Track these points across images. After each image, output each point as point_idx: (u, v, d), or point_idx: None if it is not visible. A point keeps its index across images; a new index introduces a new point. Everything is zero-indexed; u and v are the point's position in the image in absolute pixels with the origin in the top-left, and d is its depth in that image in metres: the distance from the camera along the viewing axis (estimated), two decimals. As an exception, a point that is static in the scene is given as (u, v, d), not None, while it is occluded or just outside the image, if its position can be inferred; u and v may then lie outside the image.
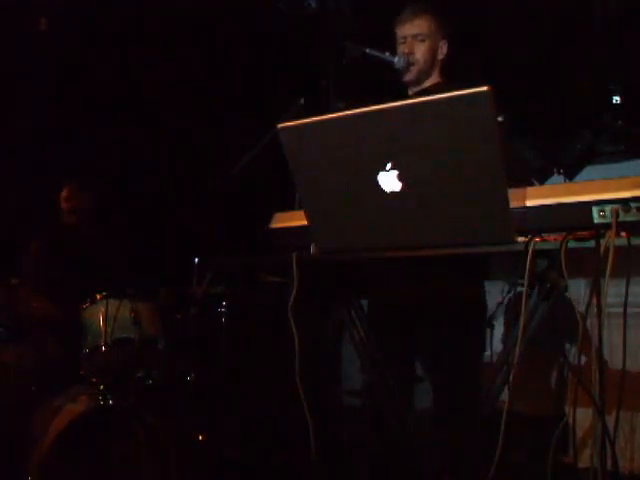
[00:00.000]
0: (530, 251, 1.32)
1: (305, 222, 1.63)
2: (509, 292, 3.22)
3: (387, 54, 2.26)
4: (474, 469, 1.68)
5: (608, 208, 1.29)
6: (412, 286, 2.05)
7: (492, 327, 3.99)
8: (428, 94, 2.20)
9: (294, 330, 1.73)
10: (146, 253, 3.95)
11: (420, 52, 2.30)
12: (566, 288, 1.36)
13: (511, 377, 1.45)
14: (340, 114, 1.48)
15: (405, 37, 2.32)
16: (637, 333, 1.71)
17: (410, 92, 2.40)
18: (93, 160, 4.33)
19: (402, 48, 2.33)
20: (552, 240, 1.34)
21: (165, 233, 4.41)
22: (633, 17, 3.31)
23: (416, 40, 2.30)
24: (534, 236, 1.34)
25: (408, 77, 2.32)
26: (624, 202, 1.28)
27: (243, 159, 2.46)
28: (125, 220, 4.22)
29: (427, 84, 2.36)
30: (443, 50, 2.37)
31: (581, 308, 1.35)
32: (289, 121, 1.54)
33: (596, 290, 1.27)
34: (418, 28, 2.31)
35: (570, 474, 1.77)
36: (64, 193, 3.85)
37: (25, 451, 2.72)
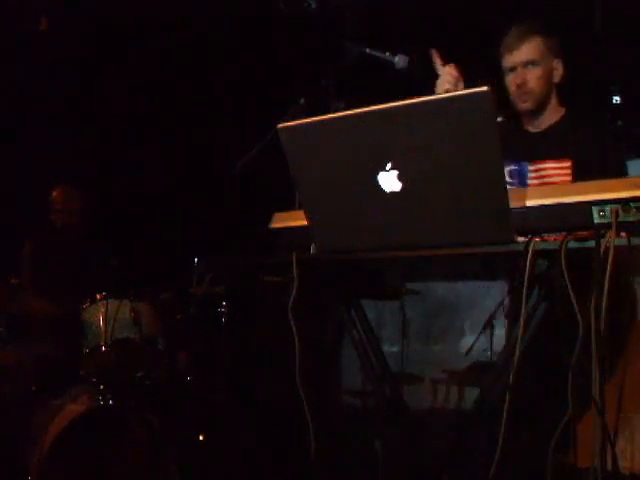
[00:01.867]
0: (530, 251, 1.32)
1: (305, 222, 1.63)
2: (509, 292, 3.22)
3: (387, 54, 2.25)
4: (474, 469, 1.68)
5: (608, 208, 1.29)
6: None
7: (492, 327, 4.01)
8: (553, 137, 2.17)
9: (294, 330, 1.73)
10: (143, 253, 3.95)
11: (534, 80, 2.12)
12: (566, 288, 1.36)
13: (511, 377, 1.45)
14: (340, 114, 1.48)
15: (514, 66, 2.14)
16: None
17: (530, 129, 2.24)
18: (88, 160, 4.34)
19: (511, 79, 2.16)
20: (552, 240, 1.34)
21: (164, 232, 4.41)
22: (633, 15, 3.31)
23: (527, 68, 2.13)
24: (534, 236, 1.34)
25: (524, 107, 2.17)
26: (624, 202, 1.28)
27: (243, 159, 2.46)
28: (119, 220, 4.21)
29: (547, 118, 2.20)
30: (559, 71, 2.17)
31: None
32: (289, 121, 1.54)
33: (596, 290, 1.27)
34: (528, 54, 2.12)
35: (570, 474, 1.77)
36: (55, 195, 3.85)
37: (25, 451, 2.72)
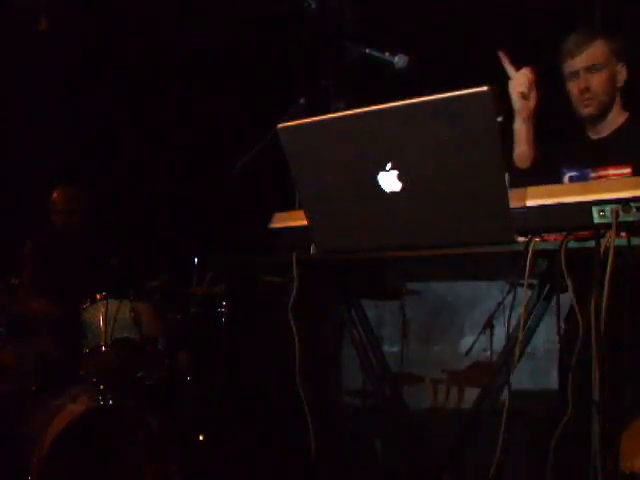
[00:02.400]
0: (530, 251, 1.32)
1: (305, 222, 1.63)
2: (509, 292, 3.22)
3: (387, 54, 2.25)
4: (474, 469, 1.68)
5: (608, 208, 1.29)
6: None
7: (492, 327, 4.02)
8: (615, 143, 2.10)
9: (294, 330, 1.73)
10: (143, 253, 3.95)
11: (598, 84, 2.06)
12: (566, 288, 1.36)
13: (511, 377, 1.45)
14: (340, 114, 1.48)
15: (577, 72, 2.08)
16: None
17: (592, 135, 2.18)
18: (88, 160, 4.34)
19: (574, 85, 2.10)
20: (552, 240, 1.34)
21: (164, 232, 4.41)
22: (632, 15, 3.31)
23: (590, 72, 2.06)
24: (534, 236, 1.34)
25: (587, 112, 2.11)
26: (624, 202, 1.28)
27: (243, 159, 2.46)
28: (119, 220, 4.21)
29: (610, 123, 2.14)
30: (623, 75, 2.10)
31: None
32: (289, 121, 1.54)
33: (596, 290, 1.27)
34: (592, 59, 2.06)
35: (570, 474, 1.77)
36: (56, 195, 3.85)
37: (25, 451, 2.72)
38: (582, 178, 2.05)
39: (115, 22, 4.28)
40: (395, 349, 4.32)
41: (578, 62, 2.07)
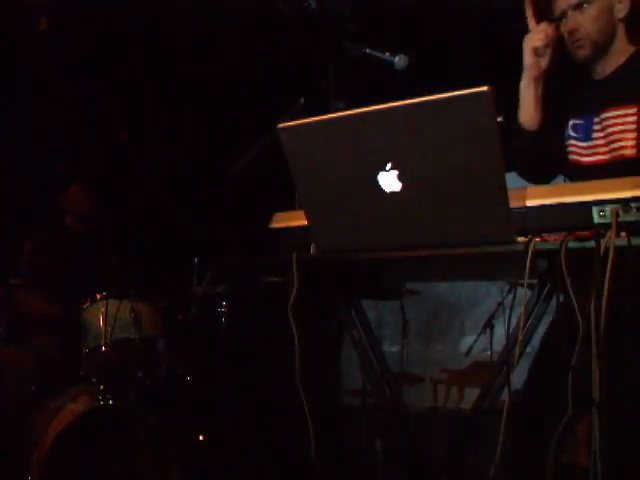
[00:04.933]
0: (530, 251, 1.32)
1: (305, 222, 1.63)
2: (509, 292, 3.22)
3: (387, 54, 2.25)
4: (474, 469, 1.68)
5: (608, 208, 1.29)
6: None
7: (492, 327, 4.02)
8: (618, 82, 1.88)
9: (294, 330, 1.73)
10: (146, 254, 3.95)
11: (589, 23, 1.84)
12: (566, 288, 1.36)
13: (511, 377, 1.45)
14: (340, 114, 1.48)
15: (564, 12, 1.87)
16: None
17: (595, 76, 1.95)
18: (88, 160, 4.34)
19: (563, 27, 1.88)
20: (552, 240, 1.34)
21: (164, 232, 4.41)
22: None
23: (579, 10, 1.85)
24: (534, 236, 1.34)
25: (581, 55, 1.90)
26: (624, 202, 1.28)
27: (243, 159, 2.46)
28: (119, 220, 4.22)
29: (612, 61, 1.91)
30: (624, 4, 1.84)
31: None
32: (289, 121, 1.54)
33: (596, 290, 1.27)
34: None
35: (570, 474, 1.77)
36: (70, 194, 3.86)
37: (25, 451, 2.72)
38: (586, 126, 1.93)
39: (115, 22, 4.27)
40: (395, 349, 4.32)
41: (564, 1, 1.87)
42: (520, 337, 1.44)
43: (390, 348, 4.38)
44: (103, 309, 3.03)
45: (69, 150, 4.40)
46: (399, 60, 2.24)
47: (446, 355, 4.56)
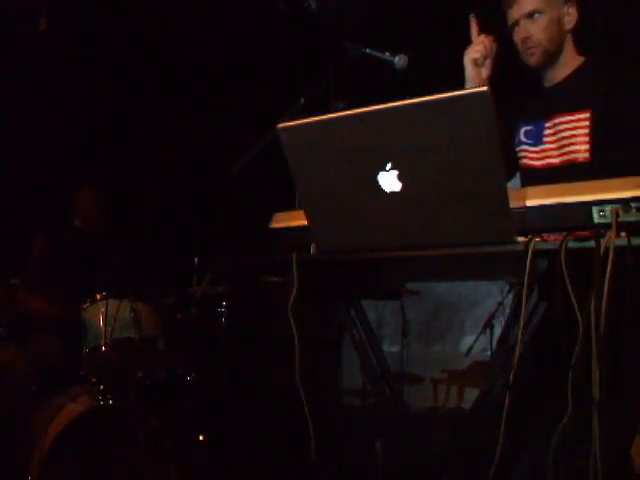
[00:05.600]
0: (530, 251, 1.32)
1: (305, 222, 1.63)
2: (509, 292, 3.22)
3: (387, 54, 2.25)
4: (474, 469, 1.68)
5: (608, 208, 1.29)
6: None
7: (492, 327, 4.02)
8: (569, 89, 1.98)
9: (294, 330, 1.73)
10: (149, 255, 3.95)
11: (539, 32, 1.95)
12: (566, 288, 1.36)
13: (511, 377, 1.45)
14: (340, 114, 1.48)
15: (517, 21, 1.98)
16: None
17: (546, 84, 2.07)
18: (87, 160, 4.34)
19: (516, 35, 2.00)
20: (552, 240, 1.34)
21: (164, 232, 4.41)
22: (633, 15, 3.30)
23: (531, 19, 1.96)
24: (534, 236, 1.34)
25: (532, 62, 2.01)
26: (624, 202, 1.28)
27: (243, 159, 2.46)
28: (119, 220, 4.22)
29: (562, 69, 2.02)
30: (572, 17, 1.98)
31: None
32: (289, 121, 1.54)
33: (596, 290, 1.27)
34: (529, 4, 1.95)
35: (570, 474, 1.77)
36: (81, 196, 3.87)
37: (25, 451, 2.72)
38: (537, 131, 2.01)
39: (115, 22, 4.28)
40: (395, 349, 4.32)
41: (516, 11, 1.97)
42: (520, 337, 1.44)
43: (390, 348, 4.37)
44: (103, 309, 3.02)
45: (69, 150, 4.40)
46: (399, 60, 2.24)
47: (446, 355, 4.55)
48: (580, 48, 2.04)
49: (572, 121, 1.94)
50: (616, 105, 1.88)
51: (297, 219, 1.69)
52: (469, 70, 1.96)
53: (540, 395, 1.92)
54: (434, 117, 1.35)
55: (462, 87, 1.33)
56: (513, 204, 1.35)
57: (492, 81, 1.93)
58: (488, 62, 1.95)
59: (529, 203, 1.39)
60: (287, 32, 3.89)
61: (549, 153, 2.02)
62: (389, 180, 1.43)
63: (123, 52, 4.37)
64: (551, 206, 1.37)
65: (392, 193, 1.44)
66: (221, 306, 3.42)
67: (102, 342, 3.00)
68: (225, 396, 3.41)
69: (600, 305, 1.27)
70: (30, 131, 4.30)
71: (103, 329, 3.00)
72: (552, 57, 2.00)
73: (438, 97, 1.35)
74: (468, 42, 2.08)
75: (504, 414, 1.44)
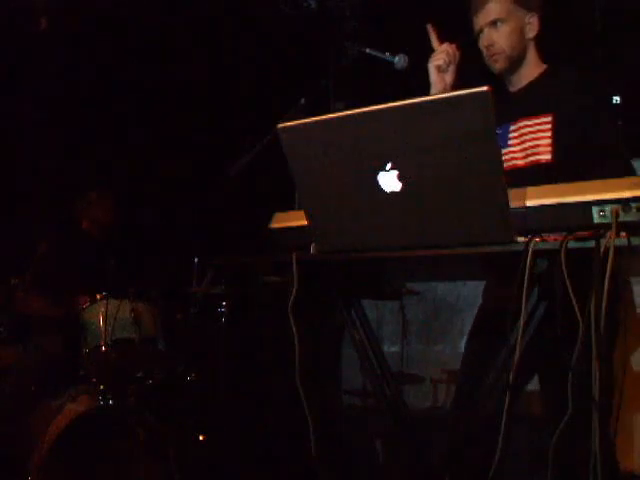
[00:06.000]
0: (530, 251, 1.32)
1: (305, 222, 1.63)
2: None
3: (387, 54, 2.25)
4: (474, 469, 1.68)
5: (608, 208, 1.29)
6: None
7: (492, 327, 4.01)
8: (532, 93, 2.08)
9: (294, 330, 1.73)
10: (149, 255, 3.95)
11: (502, 39, 2.05)
12: (566, 288, 1.36)
13: (511, 377, 1.45)
14: (340, 114, 1.48)
15: (482, 28, 2.07)
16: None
17: (511, 89, 2.16)
18: (87, 160, 4.34)
19: (481, 42, 2.10)
20: (552, 240, 1.34)
21: (164, 232, 4.41)
22: (633, 16, 3.31)
23: (494, 27, 2.05)
24: (534, 236, 1.34)
25: (496, 68, 2.10)
26: (624, 202, 1.28)
27: (243, 159, 2.46)
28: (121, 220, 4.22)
29: (525, 75, 2.11)
30: (534, 26, 2.07)
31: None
32: (289, 121, 1.53)
33: (596, 290, 1.27)
34: (492, 13, 2.04)
35: (570, 474, 1.77)
36: (96, 199, 3.87)
37: (25, 451, 2.72)
38: (502, 135, 2.06)
39: (115, 21, 4.28)
40: (395, 349, 4.32)
41: (481, 19, 2.07)
42: (520, 337, 1.44)
43: (390, 348, 4.37)
44: (103, 309, 3.03)
45: (68, 150, 4.40)
46: (399, 60, 2.24)
47: (446, 355, 4.55)
48: (542, 56, 2.13)
49: (536, 124, 2.02)
50: (578, 109, 1.95)
51: (297, 219, 1.69)
52: (433, 76, 2.10)
53: (540, 395, 1.92)
54: (434, 117, 1.35)
55: (462, 87, 1.33)
56: (513, 204, 1.35)
57: (456, 86, 2.05)
58: (451, 68, 2.07)
59: (529, 203, 1.39)
60: (287, 32, 3.90)
61: (514, 155, 2.07)
62: (389, 180, 1.43)
63: (122, 51, 4.37)
64: (551, 206, 1.37)
65: (392, 193, 1.44)
66: (221, 306, 3.42)
67: (102, 342, 3.00)
68: (225, 396, 3.41)
69: (600, 305, 1.27)
70: (31, 131, 4.30)
71: (103, 329, 3.00)
72: (515, 63, 2.09)
73: (438, 97, 1.35)
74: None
75: (504, 414, 1.44)
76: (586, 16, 3.39)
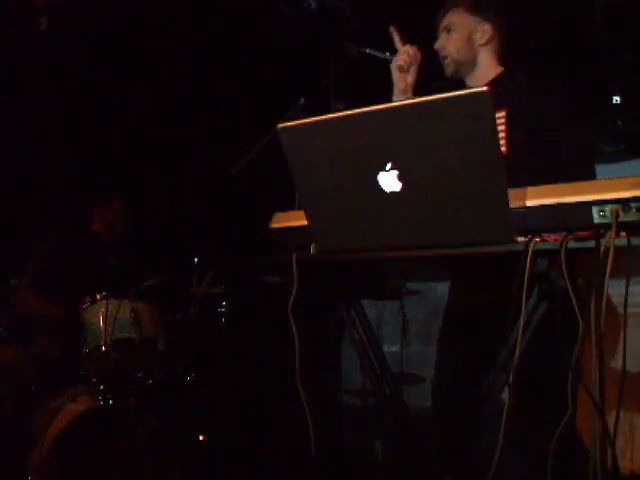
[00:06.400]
0: (530, 251, 1.32)
1: (305, 222, 1.63)
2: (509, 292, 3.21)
3: (387, 54, 2.25)
4: (474, 469, 1.68)
5: (608, 208, 1.29)
6: None
7: (492, 327, 4.00)
8: (493, 90, 2.17)
9: (294, 330, 1.73)
10: (149, 255, 3.95)
11: (450, 45, 2.20)
12: (566, 288, 1.36)
13: (511, 377, 1.45)
14: (340, 114, 1.48)
15: (439, 33, 2.24)
16: (637, 333, 1.72)
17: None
18: (87, 160, 4.34)
19: (436, 45, 2.25)
20: (552, 240, 1.34)
21: (164, 232, 4.41)
22: (633, 16, 3.31)
23: (447, 33, 2.21)
24: (534, 236, 1.34)
25: (447, 71, 2.23)
26: (624, 202, 1.28)
27: (243, 159, 2.46)
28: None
29: (479, 78, 2.20)
30: (485, 32, 2.19)
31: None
32: (289, 121, 1.54)
33: (596, 290, 1.27)
34: (447, 20, 2.22)
35: (570, 474, 1.77)
36: (113, 204, 3.88)
37: (25, 451, 2.72)
38: None
39: (115, 21, 4.27)
40: (395, 349, 4.31)
41: (440, 26, 2.23)
42: (520, 337, 1.44)
43: (390, 348, 4.37)
44: (103, 309, 3.03)
45: (68, 151, 4.40)
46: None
47: (446, 355, 4.54)
48: (500, 60, 2.22)
49: None
50: (528, 110, 2.02)
51: (297, 219, 1.69)
52: (395, 76, 2.19)
53: (540, 395, 1.92)
54: (434, 117, 1.35)
55: (462, 87, 1.33)
56: (513, 204, 1.35)
57: (418, 85, 2.16)
58: (413, 69, 2.18)
59: (529, 203, 1.39)
60: (287, 32, 3.89)
61: None
62: (389, 180, 1.43)
63: (123, 50, 4.37)
64: (551, 206, 1.37)
65: (392, 193, 1.44)
66: (221, 306, 3.42)
67: (102, 342, 3.00)
68: (225, 396, 3.41)
69: (600, 305, 1.27)
70: (32, 131, 4.30)
71: (103, 329, 3.00)
72: (464, 67, 2.21)
73: (438, 97, 1.35)
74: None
75: (504, 414, 1.44)
76: (586, 16, 3.39)
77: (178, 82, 4.46)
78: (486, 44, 2.19)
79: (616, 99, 3.32)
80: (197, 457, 3.06)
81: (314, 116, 1.51)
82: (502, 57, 2.22)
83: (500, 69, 2.22)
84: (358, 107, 1.44)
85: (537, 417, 1.80)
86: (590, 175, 1.93)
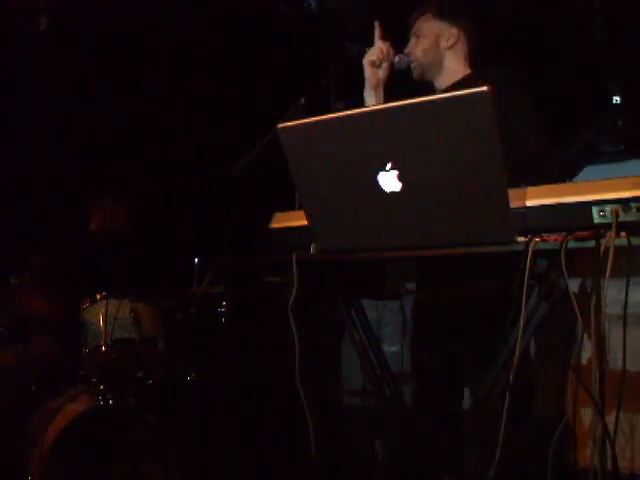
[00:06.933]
0: (530, 251, 1.32)
1: (305, 222, 1.63)
2: (509, 292, 3.21)
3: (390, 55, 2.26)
4: (474, 469, 1.68)
5: (608, 208, 1.29)
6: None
7: (492, 327, 4.00)
8: (456, 90, 2.19)
9: (294, 330, 1.73)
10: (149, 255, 3.95)
11: (417, 50, 2.25)
12: (566, 288, 1.36)
13: (511, 377, 1.45)
14: (340, 114, 1.48)
15: (411, 39, 2.29)
16: (637, 333, 1.72)
17: (437, 89, 2.31)
18: (87, 161, 4.34)
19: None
20: (552, 240, 1.34)
21: (164, 232, 4.41)
22: (633, 16, 3.31)
23: (415, 37, 2.27)
24: (534, 236, 1.34)
25: (414, 74, 2.28)
26: (624, 202, 1.28)
27: (243, 159, 2.46)
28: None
29: (444, 80, 2.25)
30: (452, 37, 2.24)
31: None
32: (289, 121, 1.54)
33: (596, 290, 1.27)
34: (417, 26, 2.29)
35: (570, 474, 1.77)
36: (114, 206, 3.87)
37: (25, 451, 2.72)
38: None
39: (115, 22, 4.27)
40: (395, 349, 4.31)
41: (412, 31, 2.29)
42: (520, 337, 1.44)
43: (390, 348, 4.36)
44: (103, 309, 3.03)
45: (67, 151, 4.40)
46: (399, 60, 2.25)
47: (446, 355, 4.54)
48: (468, 63, 2.26)
49: None
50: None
51: (297, 219, 1.69)
52: (367, 70, 2.24)
53: (540, 395, 1.92)
54: (434, 117, 1.35)
55: (462, 87, 1.33)
56: (513, 204, 1.35)
57: (388, 82, 2.22)
58: (385, 65, 2.23)
59: (529, 203, 1.39)
60: (287, 32, 3.89)
61: None
62: (389, 180, 1.43)
63: (122, 49, 4.37)
64: (551, 206, 1.37)
65: (392, 193, 1.44)
66: (221, 306, 3.41)
67: (102, 342, 3.00)
68: (225, 396, 3.41)
69: (600, 305, 1.27)
70: (32, 131, 4.30)
71: (103, 329, 3.00)
72: (430, 70, 2.25)
73: (438, 97, 1.35)
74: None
75: (504, 414, 1.44)
76: (586, 16, 3.39)
77: (178, 82, 4.46)
78: (452, 47, 2.24)
79: (616, 99, 3.32)
80: (197, 457, 3.06)
81: (314, 116, 1.51)
82: (470, 59, 2.27)
83: (468, 71, 2.26)
84: (358, 107, 1.44)
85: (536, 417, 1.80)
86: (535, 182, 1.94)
